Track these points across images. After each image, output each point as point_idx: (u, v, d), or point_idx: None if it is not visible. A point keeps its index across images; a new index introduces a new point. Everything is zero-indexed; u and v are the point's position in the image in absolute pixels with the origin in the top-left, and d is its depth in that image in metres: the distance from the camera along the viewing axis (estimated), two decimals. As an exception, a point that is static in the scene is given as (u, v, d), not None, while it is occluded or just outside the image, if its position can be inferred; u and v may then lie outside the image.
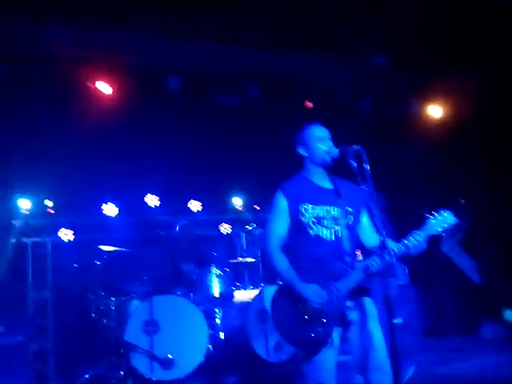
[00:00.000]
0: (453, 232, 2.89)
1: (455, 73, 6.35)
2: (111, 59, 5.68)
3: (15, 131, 5.64)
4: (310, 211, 2.96)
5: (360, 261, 2.97)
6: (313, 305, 2.80)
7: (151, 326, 5.04)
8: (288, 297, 2.89)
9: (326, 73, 6.41)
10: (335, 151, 2.98)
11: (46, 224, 6.54)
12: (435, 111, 7.13)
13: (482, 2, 5.08)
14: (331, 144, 3.03)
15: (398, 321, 4.73)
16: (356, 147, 2.84)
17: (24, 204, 6.25)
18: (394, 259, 2.68)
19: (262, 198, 7.20)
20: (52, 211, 6.47)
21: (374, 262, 2.82)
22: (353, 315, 2.90)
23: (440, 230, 2.83)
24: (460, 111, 6.88)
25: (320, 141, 3.04)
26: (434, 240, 2.92)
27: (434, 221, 2.83)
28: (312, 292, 2.80)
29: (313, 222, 2.95)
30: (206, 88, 6.31)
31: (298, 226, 2.98)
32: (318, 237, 2.94)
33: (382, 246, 2.70)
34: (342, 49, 5.79)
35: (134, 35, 5.49)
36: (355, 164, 2.82)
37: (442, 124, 7.03)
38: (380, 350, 2.85)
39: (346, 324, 2.90)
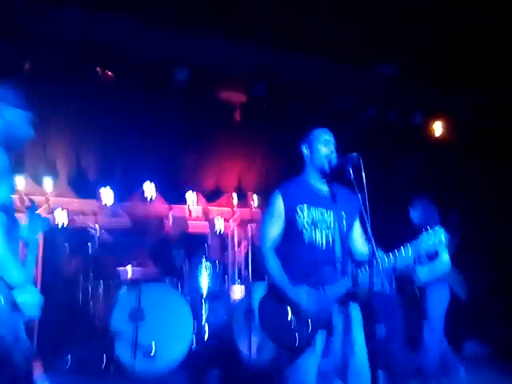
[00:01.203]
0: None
1: (460, 91, 6.39)
2: (119, 47, 5.68)
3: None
4: (305, 212, 2.99)
5: (350, 268, 2.99)
6: (300, 307, 2.83)
7: (137, 314, 5.04)
8: (276, 297, 2.92)
9: (334, 77, 6.43)
10: (334, 158, 3.01)
11: (39, 203, 6.51)
12: (437, 126, 7.17)
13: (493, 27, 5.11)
14: (333, 150, 3.06)
15: (380, 330, 4.76)
16: (355, 155, 2.87)
17: (19, 181, 6.23)
18: (383, 270, 2.70)
19: (260, 195, 7.21)
20: (47, 191, 6.45)
21: (364, 272, 2.84)
22: (337, 320, 2.93)
23: (431, 244, 2.84)
24: (462, 129, 6.93)
25: (323, 144, 3.07)
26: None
27: (426, 236, 2.84)
28: (301, 294, 2.83)
29: (307, 224, 2.98)
30: (212, 84, 6.31)
31: (292, 228, 3.01)
32: (310, 239, 2.97)
33: (372, 256, 2.72)
34: (351, 55, 5.80)
35: (145, 25, 5.49)
36: (352, 172, 2.85)
37: (443, 139, 7.08)
38: (361, 357, 2.88)
39: (330, 328, 2.93)
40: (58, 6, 5.16)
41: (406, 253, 2.84)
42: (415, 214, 4.93)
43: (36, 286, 2.58)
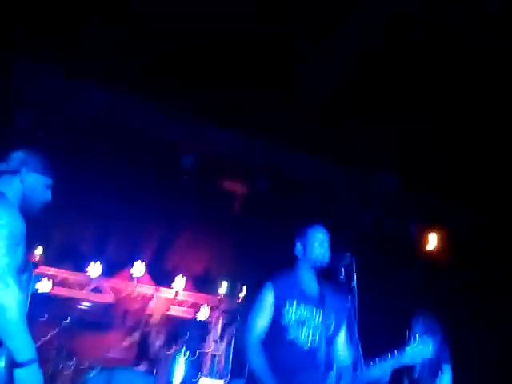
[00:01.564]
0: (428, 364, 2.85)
1: (457, 207, 6.49)
2: (129, 127, 5.84)
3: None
4: (293, 308, 2.93)
5: (333, 372, 2.88)
6: None
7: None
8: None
9: (333, 180, 6.58)
10: (327, 256, 3.00)
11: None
12: (432, 238, 7.17)
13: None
14: (327, 248, 3.06)
15: None
16: (348, 255, 2.86)
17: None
18: (366, 376, 2.61)
19: (248, 289, 7.10)
20: (37, 259, 6.37)
21: (346, 377, 2.74)
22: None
23: (414, 360, 2.76)
24: (457, 243, 6.94)
25: (317, 242, 3.07)
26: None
27: (410, 351, 2.76)
28: None
29: (294, 320, 2.91)
30: (216, 172, 6.44)
31: (278, 322, 2.93)
32: (295, 340, 2.88)
33: (354, 365, 2.64)
34: (352, 161, 5.97)
35: (157, 110, 5.68)
36: (344, 271, 2.82)
37: (438, 251, 7.07)
38: None
39: None
40: (84, 84, 5.38)
41: (388, 365, 2.74)
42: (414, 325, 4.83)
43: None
